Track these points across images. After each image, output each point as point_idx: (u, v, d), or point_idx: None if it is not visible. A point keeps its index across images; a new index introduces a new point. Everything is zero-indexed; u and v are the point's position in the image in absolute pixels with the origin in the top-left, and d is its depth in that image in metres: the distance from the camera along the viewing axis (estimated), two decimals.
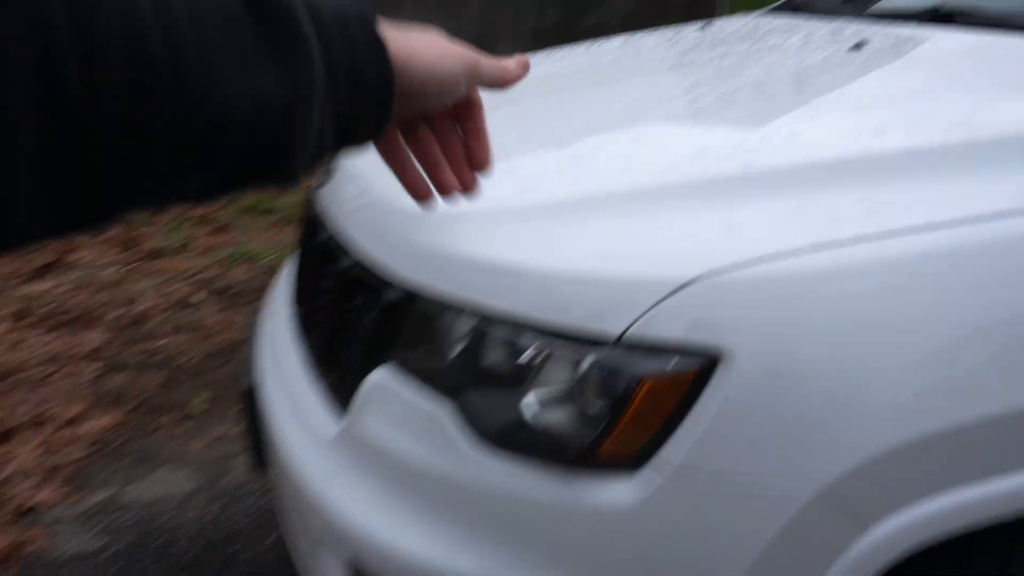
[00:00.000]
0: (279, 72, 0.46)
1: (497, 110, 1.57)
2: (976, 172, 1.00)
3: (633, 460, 0.93)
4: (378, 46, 0.54)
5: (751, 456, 0.90)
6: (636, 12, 5.84)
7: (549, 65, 1.87)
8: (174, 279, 3.71)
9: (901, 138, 1.08)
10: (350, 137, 0.56)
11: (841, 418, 0.87)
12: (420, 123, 0.70)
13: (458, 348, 1.07)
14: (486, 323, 1.02)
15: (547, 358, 0.98)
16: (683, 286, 0.90)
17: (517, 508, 0.98)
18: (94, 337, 3.25)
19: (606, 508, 0.93)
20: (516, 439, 0.99)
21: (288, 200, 4.53)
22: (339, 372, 1.27)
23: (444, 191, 0.72)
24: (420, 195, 0.72)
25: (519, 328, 0.99)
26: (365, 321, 1.20)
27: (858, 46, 1.56)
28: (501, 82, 0.69)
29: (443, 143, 0.71)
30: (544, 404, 0.99)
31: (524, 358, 0.99)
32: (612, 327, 0.92)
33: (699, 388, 0.90)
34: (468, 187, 0.73)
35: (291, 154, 0.49)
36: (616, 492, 0.93)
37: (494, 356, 1.03)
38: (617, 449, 0.93)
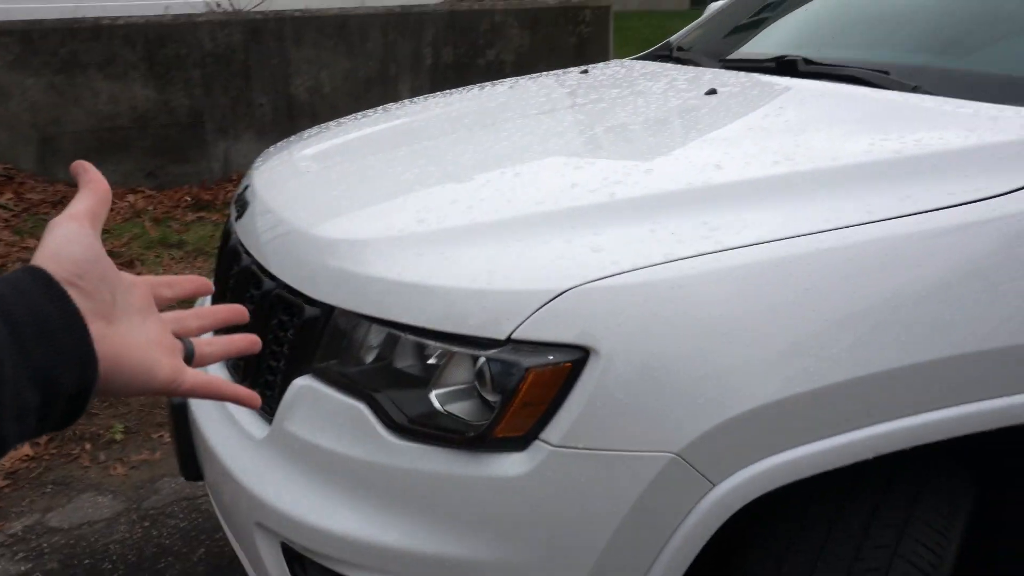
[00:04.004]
0: None
1: (398, 149, 1.79)
2: (795, 199, 1.24)
3: (522, 438, 1.13)
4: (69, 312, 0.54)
5: (618, 431, 1.11)
6: (528, 51, 6.14)
7: (443, 108, 2.09)
8: None
9: (736, 171, 1.33)
10: (57, 388, 0.53)
11: (691, 395, 1.10)
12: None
13: (373, 354, 1.26)
14: (396, 333, 1.22)
15: (450, 359, 1.18)
16: (557, 295, 1.12)
17: (429, 483, 1.18)
18: None
19: (501, 477, 1.13)
20: (426, 426, 1.18)
21: (196, 234, 4.63)
22: (263, 383, 1.44)
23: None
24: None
25: (425, 335, 1.19)
26: (285, 337, 1.38)
27: (712, 91, 1.82)
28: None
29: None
30: (449, 396, 1.19)
31: (431, 359, 1.19)
32: (501, 330, 1.13)
33: (574, 378, 1.11)
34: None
35: None
36: (509, 465, 1.14)
37: (404, 360, 1.23)
38: (509, 430, 1.13)
